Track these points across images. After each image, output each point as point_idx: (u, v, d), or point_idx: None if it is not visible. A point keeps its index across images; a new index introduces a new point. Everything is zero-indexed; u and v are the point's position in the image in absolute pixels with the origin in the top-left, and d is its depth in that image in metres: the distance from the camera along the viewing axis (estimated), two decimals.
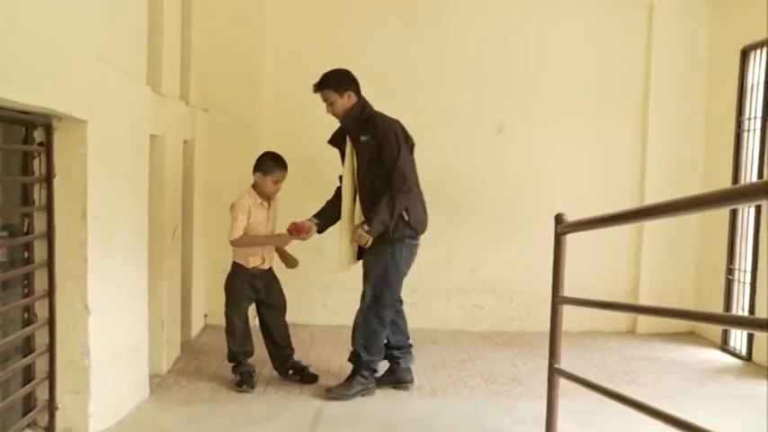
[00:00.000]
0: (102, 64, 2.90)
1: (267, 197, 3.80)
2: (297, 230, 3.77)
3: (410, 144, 3.75)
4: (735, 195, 2.06)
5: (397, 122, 3.68)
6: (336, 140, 3.82)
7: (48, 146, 2.74)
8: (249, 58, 5.10)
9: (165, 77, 3.91)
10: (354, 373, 3.77)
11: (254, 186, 3.79)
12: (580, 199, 4.72)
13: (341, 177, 3.83)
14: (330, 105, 3.63)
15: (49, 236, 2.75)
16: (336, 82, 3.63)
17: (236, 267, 3.86)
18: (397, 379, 3.92)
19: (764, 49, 4.73)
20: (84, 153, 2.78)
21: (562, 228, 2.88)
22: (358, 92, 3.69)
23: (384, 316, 3.74)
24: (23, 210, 2.73)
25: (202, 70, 4.89)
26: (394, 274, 3.72)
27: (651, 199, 5.15)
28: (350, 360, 3.81)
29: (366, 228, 3.55)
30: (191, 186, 4.59)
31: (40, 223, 2.76)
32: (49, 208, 2.75)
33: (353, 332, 3.78)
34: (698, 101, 5.40)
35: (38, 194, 2.77)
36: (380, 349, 3.80)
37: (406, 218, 3.62)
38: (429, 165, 5.30)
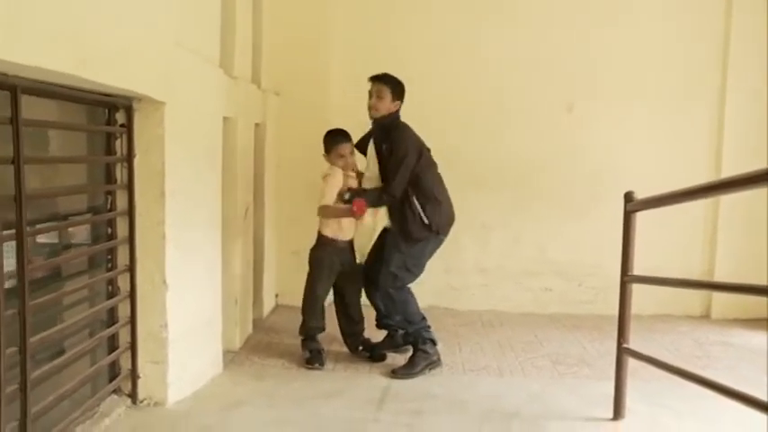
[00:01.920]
0: (179, 48, 3.01)
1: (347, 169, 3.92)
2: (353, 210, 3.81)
3: (425, 156, 3.85)
4: None
5: (414, 136, 3.84)
6: (362, 145, 3.97)
7: (128, 127, 2.87)
8: (319, 42, 5.17)
9: (237, 61, 4.02)
10: (415, 349, 3.84)
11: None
12: (653, 179, 4.59)
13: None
14: (378, 100, 3.77)
15: (130, 213, 2.89)
16: (396, 86, 3.80)
17: (324, 240, 3.93)
18: (396, 343, 4.09)
19: None
20: (162, 134, 2.90)
21: (632, 206, 2.84)
22: (400, 106, 3.85)
23: (404, 287, 3.89)
24: (107, 188, 2.88)
25: (273, 54, 4.99)
26: (411, 262, 3.86)
27: (727, 174, 4.98)
28: (401, 342, 4.05)
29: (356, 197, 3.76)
30: (262, 168, 4.71)
31: (121, 201, 2.90)
32: (130, 186, 2.88)
33: (384, 317, 4.02)
34: None
35: (119, 173, 2.90)
36: (420, 315, 3.92)
37: (426, 221, 3.75)
38: (497, 146, 5.34)
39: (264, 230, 4.81)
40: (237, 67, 4.04)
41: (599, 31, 5.24)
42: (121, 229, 2.92)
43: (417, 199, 3.74)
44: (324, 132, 3.98)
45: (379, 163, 3.80)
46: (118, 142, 2.88)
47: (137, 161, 2.89)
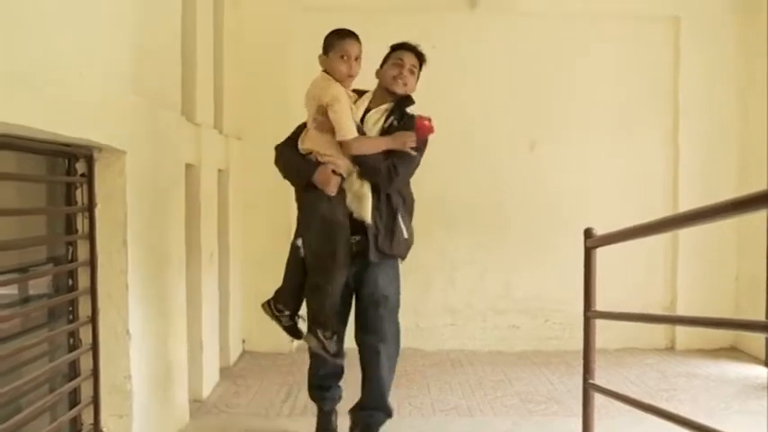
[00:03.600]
0: (140, 96, 3.02)
1: (346, 82, 3.05)
2: (424, 127, 3.07)
3: None
4: None
5: None
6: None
7: (89, 176, 2.84)
8: (279, 86, 5.20)
9: (199, 107, 4.04)
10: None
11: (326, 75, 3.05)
12: (613, 213, 4.70)
13: None
14: (411, 75, 3.16)
15: (92, 263, 2.85)
16: (425, 62, 3.25)
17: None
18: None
19: None
20: (123, 183, 2.88)
21: (592, 242, 2.89)
22: None
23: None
24: (67, 238, 2.84)
25: (235, 99, 5.02)
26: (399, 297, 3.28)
27: (685, 209, 5.11)
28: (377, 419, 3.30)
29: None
30: (226, 213, 4.69)
31: (83, 251, 2.86)
32: (91, 236, 2.84)
33: (380, 389, 3.23)
34: (729, 108, 5.37)
35: (80, 223, 2.87)
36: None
37: (405, 234, 3.14)
38: (461, 184, 5.40)
39: (229, 276, 4.77)
40: (199, 113, 4.05)
41: (558, 71, 5.39)
42: (83, 279, 2.87)
43: (402, 208, 3.13)
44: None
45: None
46: (78, 192, 2.85)
47: (98, 211, 2.86)
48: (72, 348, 2.86)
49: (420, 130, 3.04)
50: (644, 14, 5.44)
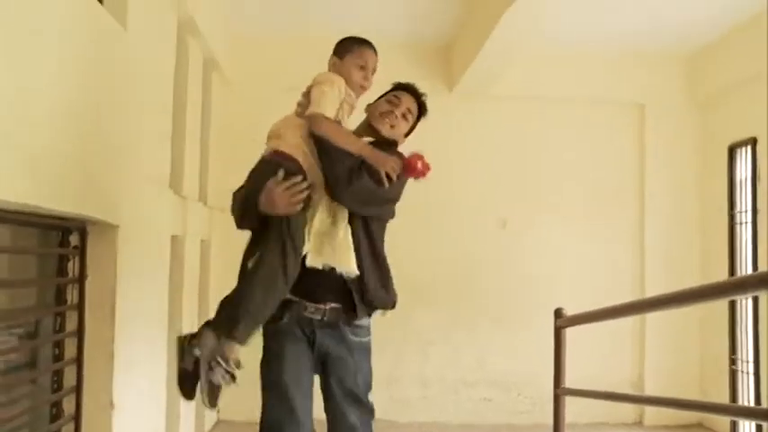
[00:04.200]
0: (132, 171, 3.16)
1: (356, 93, 2.51)
2: (415, 167, 2.39)
3: None
4: (732, 288, 2.18)
5: None
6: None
7: (81, 249, 2.95)
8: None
9: (186, 181, 4.18)
10: None
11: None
12: (582, 291, 4.90)
13: None
14: (404, 120, 2.57)
15: (80, 333, 2.92)
16: (425, 114, 2.68)
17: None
18: None
19: (749, 147, 5.01)
20: (114, 254, 2.99)
21: (561, 322, 3.04)
22: None
23: None
24: (57, 309, 2.92)
25: (220, 172, 5.17)
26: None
27: (651, 290, 5.31)
28: None
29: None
30: (206, 283, 4.78)
31: (71, 322, 2.94)
32: (80, 307, 2.93)
33: None
34: (691, 195, 5.68)
35: (70, 294, 2.96)
36: None
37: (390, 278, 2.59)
38: (434, 259, 5.56)
39: None
40: (186, 186, 4.19)
41: (529, 153, 5.66)
42: (69, 349, 2.94)
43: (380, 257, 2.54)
44: None
45: None
46: (70, 264, 2.95)
47: (88, 282, 2.96)
48: (54, 418, 2.90)
49: (408, 169, 2.38)
50: (611, 100, 5.76)
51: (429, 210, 5.38)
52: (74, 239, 2.96)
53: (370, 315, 2.49)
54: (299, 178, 2.28)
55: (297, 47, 5.21)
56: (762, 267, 4.69)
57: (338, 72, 2.45)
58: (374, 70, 2.53)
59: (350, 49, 2.50)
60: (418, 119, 2.65)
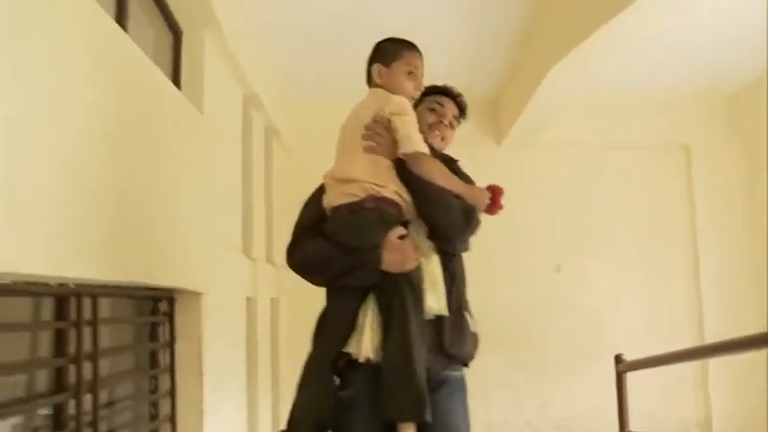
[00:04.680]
0: (215, 244, 3.45)
1: None
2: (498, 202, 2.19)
3: None
4: None
5: None
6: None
7: (170, 315, 3.23)
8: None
9: (255, 244, 4.47)
10: None
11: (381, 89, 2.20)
12: (640, 334, 4.98)
13: None
14: (451, 129, 2.43)
15: (172, 393, 3.18)
16: (466, 116, 2.50)
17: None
18: None
19: None
20: (199, 320, 3.26)
21: (622, 367, 3.17)
22: None
23: None
24: (152, 372, 3.19)
25: (285, 233, 5.45)
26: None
27: (710, 330, 5.37)
28: None
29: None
30: (277, 340, 5.02)
31: (164, 383, 3.20)
32: (171, 369, 3.20)
33: None
34: (742, 232, 5.70)
35: (162, 357, 3.23)
36: None
37: (473, 328, 2.28)
38: (493, 305, 5.70)
39: (279, 403, 5.05)
40: (256, 249, 4.47)
41: (580, 198, 5.81)
42: (164, 408, 3.19)
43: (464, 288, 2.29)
44: None
45: None
46: (161, 329, 3.23)
47: (177, 346, 3.23)
48: None
49: (493, 204, 2.19)
50: (657, 143, 5.89)
51: (486, 256, 5.55)
52: (163, 307, 3.25)
53: (449, 363, 2.14)
54: (401, 230, 2.05)
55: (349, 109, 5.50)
56: None
57: (386, 82, 2.16)
58: (422, 76, 2.24)
59: (397, 53, 2.18)
60: (459, 122, 2.46)
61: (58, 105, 1.81)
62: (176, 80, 3.33)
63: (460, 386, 2.20)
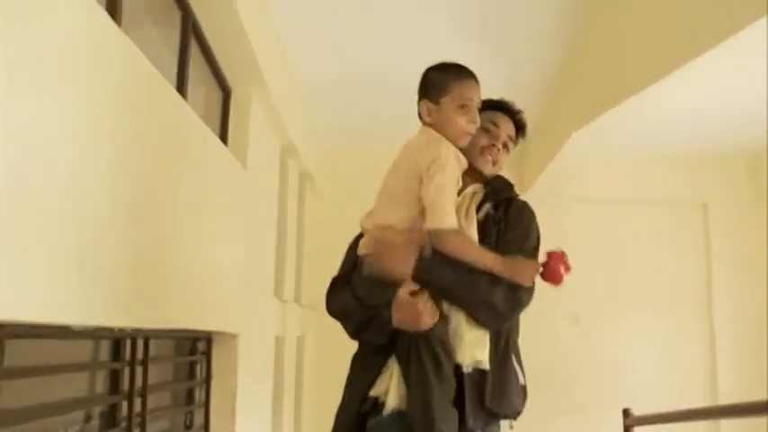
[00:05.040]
0: (248, 288, 3.69)
1: (461, 143, 1.97)
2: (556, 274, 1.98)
3: None
4: None
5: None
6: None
7: (208, 354, 3.47)
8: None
9: (286, 286, 4.71)
10: None
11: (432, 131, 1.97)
12: (653, 389, 5.11)
13: None
14: (505, 151, 2.16)
15: (206, 429, 3.41)
16: (524, 136, 2.26)
17: None
18: None
19: None
20: (235, 359, 3.49)
21: (629, 421, 3.34)
22: None
23: None
24: (187, 408, 3.42)
25: (312, 273, 5.70)
26: None
27: (724, 387, 5.49)
28: None
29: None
30: (302, 377, 5.24)
31: (198, 418, 3.43)
32: (206, 405, 3.42)
33: None
34: (759, 292, 5.84)
35: (198, 394, 3.46)
36: None
37: (522, 381, 2.10)
38: None
39: None
40: (286, 291, 4.72)
41: (599, 251, 5.99)
42: None
43: (513, 338, 2.12)
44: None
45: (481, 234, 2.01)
46: (198, 367, 3.47)
47: (213, 383, 3.46)
48: None
49: (552, 273, 1.98)
50: (676, 200, 6.07)
51: None
52: (202, 346, 3.49)
53: (489, 420, 1.96)
54: (411, 284, 1.88)
55: (382, 157, 5.77)
56: None
57: (436, 121, 1.94)
58: (479, 104, 1.98)
59: (445, 87, 1.94)
60: (516, 142, 2.22)
61: (117, 164, 2.04)
62: (224, 135, 3.61)
63: None
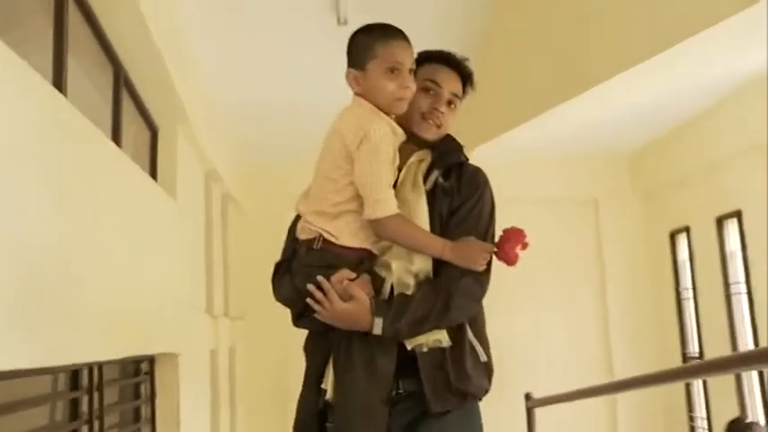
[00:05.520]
0: (185, 308, 3.99)
1: (394, 109, 1.78)
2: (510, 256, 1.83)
3: None
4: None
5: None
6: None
7: (151, 374, 3.75)
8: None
9: (216, 302, 5.01)
10: None
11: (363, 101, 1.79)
12: (554, 374, 5.67)
13: None
14: (449, 109, 1.91)
15: None
16: (473, 86, 1.99)
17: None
18: None
19: (685, 233, 5.93)
20: (176, 376, 3.79)
21: (531, 403, 3.83)
22: None
23: None
24: (135, 426, 3.69)
25: (238, 285, 6.00)
26: None
27: (619, 367, 6.14)
28: None
29: (378, 321, 1.72)
30: (234, 384, 5.56)
31: None
32: (152, 421, 3.71)
33: None
34: (644, 277, 6.53)
35: (144, 411, 3.74)
36: None
37: (483, 357, 1.90)
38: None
39: None
40: (216, 306, 5.02)
41: None
42: None
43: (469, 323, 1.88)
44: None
45: (430, 206, 1.84)
46: (143, 387, 3.75)
47: (158, 401, 3.75)
48: None
49: (506, 254, 1.83)
50: (569, 198, 6.68)
51: None
52: (145, 367, 3.77)
53: (453, 402, 1.81)
54: (346, 272, 1.75)
55: (304, 170, 6.12)
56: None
57: (365, 89, 1.76)
58: (413, 67, 1.77)
59: (369, 50, 1.74)
60: (464, 96, 1.95)
61: (54, 209, 2.34)
62: (153, 170, 3.88)
63: (468, 418, 1.89)
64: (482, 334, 1.94)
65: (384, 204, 1.70)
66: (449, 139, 1.94)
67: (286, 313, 1.93)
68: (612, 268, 6.55)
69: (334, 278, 1.73)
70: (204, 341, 4.48)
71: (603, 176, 6.69)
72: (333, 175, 1.76)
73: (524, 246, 1.83)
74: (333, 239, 1.75)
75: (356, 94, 1.79)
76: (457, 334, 1.82)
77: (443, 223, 1.83)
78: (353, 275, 1.74)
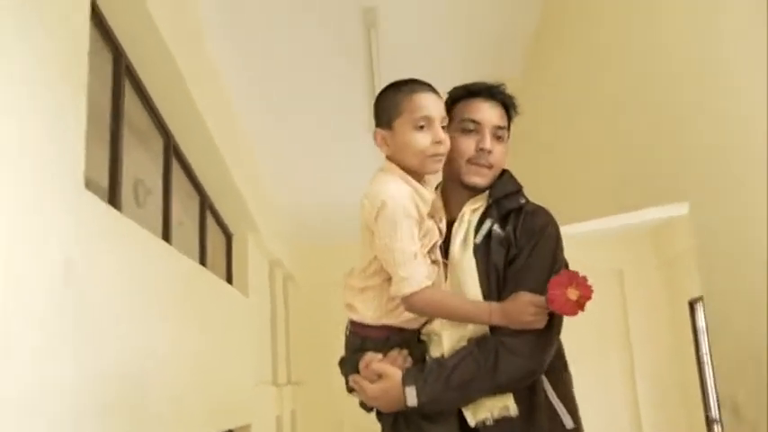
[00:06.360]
0: (257, 382, 4.78)
1: (427, 167, 1.59)
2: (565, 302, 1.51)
3: None
4: None
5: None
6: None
7: None
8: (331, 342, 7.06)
9: (279, 373, 5.80)
10: None
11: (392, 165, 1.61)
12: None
13: None
14: (497, 143, 1.66)
15: None
16: (516, 111, 1.75)
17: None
18: None
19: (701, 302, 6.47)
20: None
21: None
22: None
23: None
24: None
25: (299, 355, 6.80)
26: None
27: (646, 421, 6.62)
28: None
29: (410, 390, 1.51)
30: None
31: None
32: None
33: None
34: (665, 342, 7.06)
35: None
36: None
37: (570, 424, 1.59)
38: None
39: None
40: (280, 377, 5.81)
41: None
42: None
43: (547, 374, 1.61)
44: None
45: (478, 256, 1.60)
46: None
47: None
48: None
49: (559, 303, 1.51)
50: (595, 269, 7.26)
51: None
52: None
53: None
54: (370, 356, 1.61)
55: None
56: None
57: (393, 150, 1.59)
58: (444, 121, 1.59)
59: (395, 107, 1.58)
60: (509, 126, 1.73)
61: (152, 326, 3.15)
62: (229, 270, 4.73)
63: None
64: (568, 396, 1.65)
65: (408, 281, 1.50)
66: (505, 180, 1.69)
67: (341, 379, 1.73)
68: (638, 332, 7.09)
69: (360, 365, 1.60)
70: (270, 409, 5.27)
71: (627, 249, 7.26)
72: (361, 248, 1.61)
73: (581, 288, 1.51)
74: (358, 319, 1.62)
75: (387, 157, 1.61)
76: (530, 398, 1.56)
77: (501, 278, 1.58)
78: (380, 356, 1.59)
